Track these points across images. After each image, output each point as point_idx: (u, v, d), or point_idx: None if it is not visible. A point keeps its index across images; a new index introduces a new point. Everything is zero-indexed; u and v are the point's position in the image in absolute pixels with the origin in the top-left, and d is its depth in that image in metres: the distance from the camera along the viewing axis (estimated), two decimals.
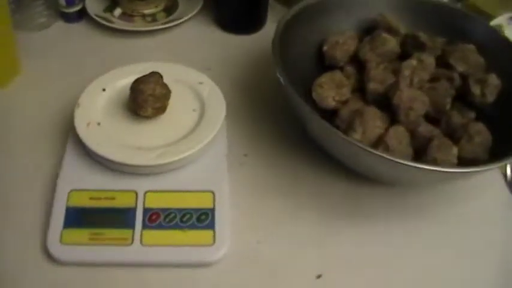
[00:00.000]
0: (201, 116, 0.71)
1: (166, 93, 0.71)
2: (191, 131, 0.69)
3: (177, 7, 0.98)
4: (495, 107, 0.75)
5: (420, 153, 0.69)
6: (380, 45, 0.76)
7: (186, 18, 0.93)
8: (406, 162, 0.60)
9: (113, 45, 0.92)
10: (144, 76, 0.70)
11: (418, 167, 0.60)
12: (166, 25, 0.92)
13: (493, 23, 0.96)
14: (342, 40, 0.78)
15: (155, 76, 0.71)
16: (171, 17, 0.95)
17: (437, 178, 0.66)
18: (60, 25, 0.96)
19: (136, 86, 0.70)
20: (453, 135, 0.71)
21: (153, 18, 0.96)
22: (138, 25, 0.93)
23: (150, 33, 0.93)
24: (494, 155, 0.68)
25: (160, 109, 0.70)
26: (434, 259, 0.67)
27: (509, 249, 0.69)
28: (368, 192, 0.72)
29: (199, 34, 0.95)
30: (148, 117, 0.70)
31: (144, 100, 0.69)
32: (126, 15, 0.96)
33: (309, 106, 0.64)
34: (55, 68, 0.86)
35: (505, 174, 0.77)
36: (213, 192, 0.67)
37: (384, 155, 0.60)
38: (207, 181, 0.68)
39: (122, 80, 0.74)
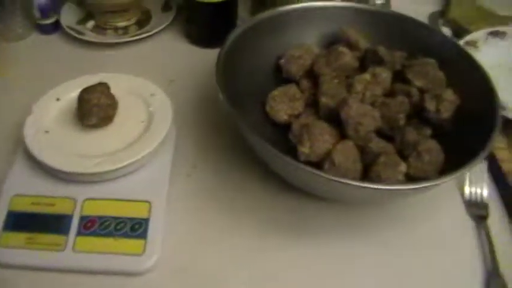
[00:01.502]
0: (148, 127, 0.71)
1: (111, 103, 0.71)
2: (134, 142, 0.69)
3: (149, 21, 0.99)
4: (454, 125, 0.73)
5: (369, 170, 0.67)
6: (335, 59, 0.75)
7: (155, 31, 0.94)
8: (334, 178, 0.58)
9: (84, 56, 0.93)
10: (90, 86, 0.70)
11: (345, 183, 0.58)
12: (135, 37, 0.92)
13: (469, 38, 0.94)
14: (298, 54, 0.77)
15: (101, 86, 0.71)
16: (142, 30, 0.95)
17: (372, 195, 0.64)
18: (36, 36, 0.98)
19: (82, 96, 0.70)
20: (405, 153, 0.69)
21: (125, 31, 0.96)
22: (109, 37, 0.94)
23: (121, 45, 0.93)
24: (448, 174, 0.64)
25: (106, 119, 0.70)
26: (377, 281, 0.65)
27: (459, 276, 0.67)
28: (311, 207, 0.70)
29: (168, 47, 0.95)
30: (94, 127, 0.70)
31: (89, 109, 0.69)
32: (99, 28, 0.96)
33: (245, 123, 0.62)
34: (24, 77, 0.88)
35: (463, 194, 0.74)
36: (150, 203, 0.66)
37: (314, 171, 0.58)
38: (145, 191, 0.67)
39: (76, 90, 0.73)
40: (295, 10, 0.81)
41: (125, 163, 0.66)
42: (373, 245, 0.68)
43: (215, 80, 0.67)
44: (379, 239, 0.69)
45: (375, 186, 0.60)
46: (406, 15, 0.83)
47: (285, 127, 0.75)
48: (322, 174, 0.58)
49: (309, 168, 0.58)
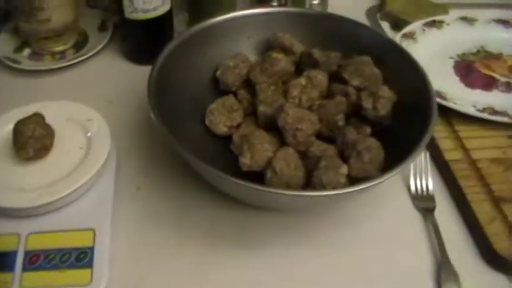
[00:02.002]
0: (87, 153, 0.70)
1: (47, 133, 0.69)
2: (74, 170, 0.68)
3: (86, 42, 0.97)
4: (393, 121, 0.73)
5: (310, 174, 0.67)
6: (270, 66, 0.75)
7: (91, 53, 0.93)
8: (267, 190, 0.59)
9: (22, 85, 0.91)
10: (24, 118, 0.69)
11: (280, 193, 0.59)
12: (72, 61, 0.91)
13: (406, 30, 0.95)
14: (233, 64, 0.77)
15: (36, 117, 0.70)
16: (80, 53, 0.94)
17: (314, 202, 0.64)
18: None
19: (17, 129, 0.69)
20: (345, 153, 0.69)
21: (63, 55, 0.95)
22: (46, 64, 0.92)
23: (59, 70, 0.92)
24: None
25: (43, 149, 0.69)
26: (330, 283, 0.65)
27: (410, 270, 0.67)
28: (257, 217, 0.70)
29: (107, 67, 0.94)
30: (31, 159, 0.69)
31: (24, 142, 0.68)
32: (36, 55, 0.95)
33: (176, 140, 0.62)
34: None
35: (409, 188, 0.74)
36: (93, 230, 0.65)
37: (246, 184, 0.58)
38: (88, 219, 0.66)
39: (12, 122, 0.72)
40: (227, 20, 0.81)
41: (65, 193, 0.65)
42: (323, 248, 0.68)
43: (147, 99, 0.66)
44: (328, 242, 0.69)
45: (312, 193, 0.61)
46: (337, 14, 0.83)
47: (228, 139, 0.74)
48: (257, 187, 0.58)
49: (242, 182, 0.58)
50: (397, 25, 1.04)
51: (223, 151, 0.74)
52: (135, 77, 0.91)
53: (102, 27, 1.00)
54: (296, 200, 0.60)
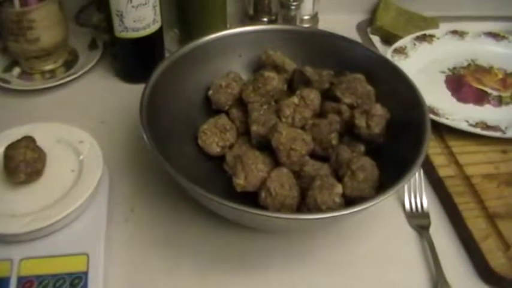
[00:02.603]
0: (79, 176, 0.69)
1: (39, 156, 0.69)
2: (66, 194, 0.67)
3: (77, 61, 0.97)
4: (387, 138, 0.73)
5: (305, 194, 0.66)
6: (262, 85, 0.75)
7: (82, 72, 0.92)
8: (262, 213, 0.58)
9: (12, 106, 0.91)
10: (14, 142, 0.68)
11: (276, 217, 0.58)
12: (62, 80, 0.91)
13: (397, 45, 0.95)
14: (225, 83, 0.77)
15: (26, 140, 0.69)
16: (70, 71, 0.94)
17: (308, 224, 0.63)
18: None
19: (7, 153, 0.68)
20: (339, 172, 0.68)
21: (53, 74, 0.94)
22: (36, 83, 0.92)
23: (49, 90, 0.91)
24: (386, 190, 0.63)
25: (35, 174, 0.68)
26: None
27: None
28: (251, 239, 0.70)
29: (98, 86, 0.93)
30: (23, 183, 0.68)
31: (15, 166, 0.67)
32: (25, 74, 0.94)
33: (167, 163, 0.61)
34: None
35: (403, 206, 0.74)
36: (87, 255, 0.64)
37: (240, 208, 0.58)
38: (82, 243, 0.65)
39: (2, 146, 0.71)
40: (218, 38, 0.80)
41: (57, 218, 0.64)
42: (318, 268, 0.68)
43: (139, 120, 0.65)
44: (323, 261, 0.68)
45: (308, 216, 0.60)
46: (329, 31, 0.83)
47: (221, 158, 0.74)
48: (252, 210, 0.57)
49: (236, 206, 0.57)
50: (388, 39, 1.04)
51: (217, 171, 0.73)
52: (126, 95, 0.91)
53: (92, 46, 0.99)
54: (291, 222, 0.60)
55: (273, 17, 1.01)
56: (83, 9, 1.03)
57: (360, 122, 0.71)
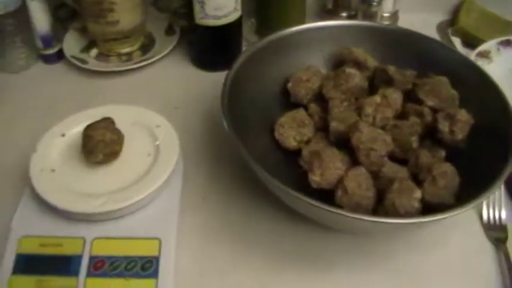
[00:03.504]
0: (155, 160, 0.70)
1: (117, 138, 0.69)
2: (141, 177, 0.68)
3: (153, 45, 0.97)
4: (469, 145, 0.70)
5: (383, 195, 0.65)
6: (344, 81, 0.73)
7: (158, 57, 0.92)
8: (342, 213, 0.57)
9: (88, 86, 0.92)
10: (94, 122, 0.69)
11: (355, 218, 0.56)
12: (139, 64, 0.91)
13: (481, 49, 0.92)
14: (305, 77, 0.76)
15: (106, 121, 0.69)
16: (146, 56, 0.94)
17: (386, 227, 0.62)
18: (40, 66, 0.97)
19: (86, 133, 0.69)
20: (419, 177, 0.66)
21: (129, 57, 0.95)
22: (113, 65, 0.93)
23: (125, 72, 0.92)
24: (465, 198, 0.61)
25: (112, 155, 0.69)
26: None
27: None
28: (323, 238, 0.69)
29: (173, 72, 0.94)
30: (100, 163, 0.69)
31: (94, 146, 0.68)
32: (102, 55, 0.95)
33: (249, 154, 0.61)
34: (28, 111, 0.87)
35: (481, 216, 0.72)
36: (159, 240, 0.64)
37: (320, 206, 0.56)
38: (155, 228, 0.66)
39: (81, 125, 0.72)
40: (300, 31, 0.79)
41: (132, 201, 0.64)
42: (391, 273, 0.66)
43: (220, 108, 0.65)
44: (395, 267, 0.67)
45: (388, 220, 0.58)
46: (414, 30, 0.81)
47: (296, 153, 0.73)
48: (330, 208, 0.56)
49: (314, 202, 0.56)
50: (469, 42, 1.01)
51: (291, 165, 0.72)
52: (201, 83, 0.90)
53: (169, 31, 1.00)
54: (370, 224, 0.58)
55: (352, 12, 0.99)
56: None
57: (443, 126, 0.69)
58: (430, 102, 0.73)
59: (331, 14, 1.02)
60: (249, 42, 0.95)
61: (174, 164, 0.69)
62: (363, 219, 0.57)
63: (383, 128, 0.70)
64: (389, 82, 0.75)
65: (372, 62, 0.78)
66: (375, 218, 0.58)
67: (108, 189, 0.67)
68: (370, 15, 0.95)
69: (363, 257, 0.68)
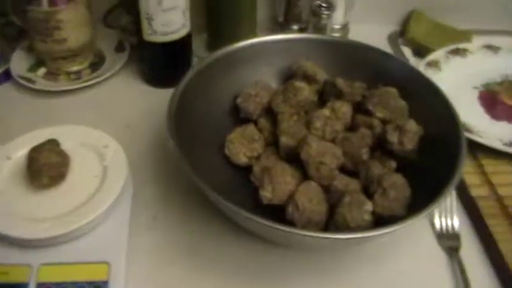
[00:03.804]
0: (102, 182, 0.68)
1: (63, 160, 0.68)
2: (88, 200, 0.66)
3: (103, 63, 0.96)
4: (420, 155, 0.71)
5: (333, 210, 0.64)
6: (293, 95, 0.73)
7: (108, 74, 0.91)
8: (288, 230, 0.56)
9: (37, 106, 0.90)
10: (39, 144, 0.68)
11: (303, 235, 0.56)
12: (88, 83, 0.90)
13: (430, 58, 0.92)
14: (254, 92, 0.75)
15: (51, 144, 0.68)
16: (96, 73, 0.92)
17: (336, 243, 0.61)
18: None
19: (31, 155, 0.67)
20: (370, 189, 0.66)
21: (78, 75, 0.93)
22: (61, 84, 0.91)
23: (74, 91, 0.90)
24: (417, 208, 0.61)
25: (58, 177, 0.67)
26: None
27: None
28: (277, 254, 0.68)
29: (124, 89, 0.92)
30: (45, 187, 0.67)
31: (39, 169, 0.66)
32: (51, 74, 0.93)
33: (194, 172, 0.60)
34: None
35: (433, 225, 0.72)
36: (108, 263, 0.63)
37: (267, 223, 0.56)
38: (103, 251, 0.64)
39: (27, 147, 0.70)
40: (249, 46, 0.79)
41: (79, 224, 0.63)
42: (345, 286, 0.66)
43: (166, 127, 0.64)
44: (348, 281, 0.66)
45: (337, 236, 0.58)
46: (362, 42, 0.81)
47: (247, 169, 0.72)
48: (279, 227, 0.55)
49: (263, 221, 0.56)
50: (419, 51, 1.02)
51: (243, 181, 0.72)
52: (152, 100, 0.89)
53: (119, 48, 0.98)
54: (319, 241, 0.58)
55: (303, 25, 0.99)
56: (112, 10, 1.02)
57: (393, 137, 0.69)
58: (380, 113, 0.73)
59: (283, 27, 1.01)
60: (200, 57, 0.94)
61: (122, 185, 0.67)
62: (311, 236, 0.56)
63: (333, 141, 0.70)
64: (338, 95, 0.75)
65: (321, 75, 0.78)
66: (321, 234, 0.58)
67: (54, 213, 0.65)
68: (320, 28, 0.95)
69: (317, 272, 0.67)
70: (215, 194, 0.58)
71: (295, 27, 1.00)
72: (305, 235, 0.56)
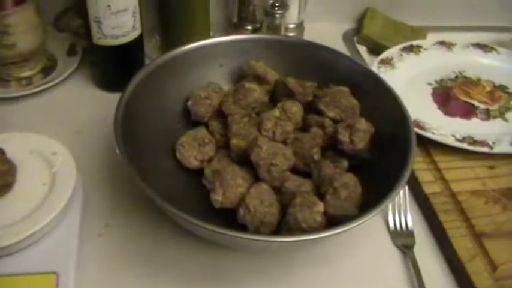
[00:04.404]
0: (50, 190, 0.66)
1: (8, 169, 0.66)
2: (36, 209, 0.64)
3: (55, 67, 0.94)
4: (372, 154, 0.71)
5: (285, 211, 0.64)
6: (243, 96, 0.72)
7: (59, 79, 0.89)
8: (235, 235, 0.55)
9: None
10: None
11: (249, 239, 0.56)
12: (39, 88, 0.88)
13: (383, 56, 0.93)
14: (205, 94, 0.74)
15: None
16: (47, 79, 0.91)
17: (286, 245, 0.61)
18: None
19: None
20: (321, 189, 0.66)
21: (29, 81, 0.91)
22: (12, 90, 0.89)
23: (25, 97, 0.88)
24: (369, 208, 0.61)
25: (3, 187, 0.66)
26: None
27: None
28: (229, 258, 0.67)
29: (76, 94, 0.90)
30: None
31: None
32: (1, 80, 0.91)
33: (143, 183, 0.59)
34: None
35: (387, 223, 0.72)
36: (56, 273, 0.61)
37: (211, 228, 0.55)
38: (51, 261, 0.63)
39: None
40: (198, 47, 0.78)
41: (25, 235, 0.61)
42: None
43: (113, 133, 0.63)
44: (303, 282, 0.66)
45: (286, 239, 0.58)
46: (314, 41, 0.81)
47: (200, 172, 0.71)
48: (227, 232, 0.55)
49: (207, 226, 0.55)
50: (374, 49, 1.02)
51: (196, 186, 0.71)
52: (105, 104, 0.87)
53: (71, 52, 0.96)
54: (269, 244, 0.57)
55: (258, 25, 0.98)
56: (63, 14, 1.00)
57: (343, 137, 0.69)
58: (331, 113, 0.73)
59: (237, 28, 1.01)
60: (150, 60, 0.92)
61: (71, 193, 0.66)
62: (259, 240, 0.56)
63: (284, 142, 0.70)
64: (289, 95, 0.74)
65: (272, 75, 0.77)
66: (271, 237, 0.57)
67: (0, 224, 0.63)
68: (274, 28, 0.95)
69: (270, 274, 0.66)
70: (159, 199, 0.57)
71: (249, 28, 0.99)
72: (253, 239, 0.56)
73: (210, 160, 0.71)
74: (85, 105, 0.89)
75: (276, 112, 0.70)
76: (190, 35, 0.90)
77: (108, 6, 0.79)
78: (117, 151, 0.61)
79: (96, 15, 0.80)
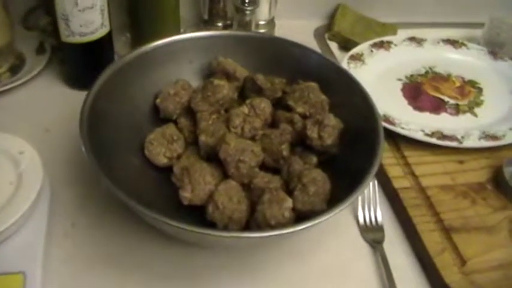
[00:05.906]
0: (16, 189, 0.65)
1: None
2: (1, 208, 0.63)
3: (23, 66, 0.93)
4: (341, 149, 0.71)
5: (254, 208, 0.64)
6: (212, 93, 0.72)
7: (28, 77, 0.88)
8: (203, 232, 0.55)
9: None
10: None
11: (214, 235, 0.55)
12: (7, 86, 0.86)
13: (353, 52, 0.93)
14: (173, 91, 0.74)
15: None
16: (15, 77, 0.89)
17: (256, 241, 0.61)
18: None
19: None
20: (290, 185, 0.66)
21: None
22: None
23: None
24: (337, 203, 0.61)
25: None
26: None
27: None
28: (201, 256, 0.67)
29: (45, 92, 0.89)
30: None
31: None
32: None
33: (106, 177, 0.58)
34: None
35: (357, 218, 0.72)
36: (23, 273, 0.61)
37: (181, 226, 0.55)
38: (18, 261, 0.62)
39: None
40: (167, 44, 0.77)
41: None
42: (268, 285, 0.65)
43: (79, 130, 0.62)
44: (274, 277, 0.66)
45: (253, 235, 0.57)
46: (282, 38, 0.81)
47: (169, 169, 0.71)
48: (194, 229, 0.54)
49: (176, 224, 0.55)
50: (345, 45, 1.03)
51: (165, 183, 0.70)
52: (74, 103, 0.85)
53: (40, 50, 0.95)
54: (237, 240, 0.57)
55: (228, 22, 0.98)
56: (31, 11, 0.99)
57: (312, 133, 0.69)
58: (300, 108, 0.73)
59: (208, 24, 1.00)
60: (118, 57, 0.92)
61: (37, 192, 0.65)
62: (227, 236, 0.56)
63: (252, 138, 0.69)
64: (259, 91, 0.74)
65: (241, 72, 0.77)
66: (238, 233, 0.57)
67: None
68: (245, 24, 0.95)
69: (240, 271, 0.67)
70: (123, 195, 0.56)
71: (220, 24, 0.99)
72: (220, 236, 0.56)
73: (178, 157, 0.71)
74: (54, 103, 0.88)
75: (245, 109, 0.70)
76: (161, 32, 0.89)
77: (75, 3, 0.78)
78: (83, 149, 0.60)
79: (63, 12, 0.79)
